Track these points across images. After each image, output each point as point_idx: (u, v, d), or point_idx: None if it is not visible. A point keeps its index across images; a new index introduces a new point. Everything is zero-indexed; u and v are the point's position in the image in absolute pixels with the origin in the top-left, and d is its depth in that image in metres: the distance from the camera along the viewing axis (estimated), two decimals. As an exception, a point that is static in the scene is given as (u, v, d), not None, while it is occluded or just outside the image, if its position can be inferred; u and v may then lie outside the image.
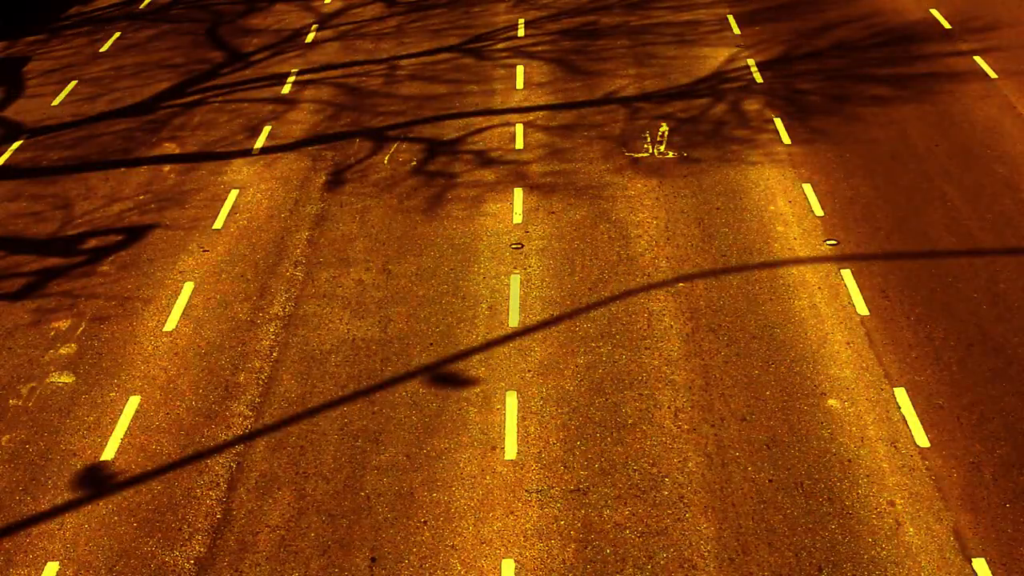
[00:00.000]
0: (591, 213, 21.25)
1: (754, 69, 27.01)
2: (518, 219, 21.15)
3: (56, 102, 26.53)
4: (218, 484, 15.32)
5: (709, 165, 22.75)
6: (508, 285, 19.25)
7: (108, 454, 15.90)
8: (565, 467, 15.46)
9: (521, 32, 29.71)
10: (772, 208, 21.26)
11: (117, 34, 30.48)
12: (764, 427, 16.02)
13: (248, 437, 16.14)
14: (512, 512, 14.75)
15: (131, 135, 24.89)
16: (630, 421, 16.20)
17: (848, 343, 17.62)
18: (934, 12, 29.76)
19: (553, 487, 15.13)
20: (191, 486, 15.31)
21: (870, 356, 17.33)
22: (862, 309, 18.38)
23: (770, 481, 15.16)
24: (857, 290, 18.81)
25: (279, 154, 23.86)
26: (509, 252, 20.17)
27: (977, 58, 26.94)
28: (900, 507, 14.65)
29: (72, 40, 30.27)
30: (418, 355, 17.71)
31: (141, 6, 32.67)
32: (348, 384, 17.14)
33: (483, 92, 26.36)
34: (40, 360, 17.83)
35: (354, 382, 17.18)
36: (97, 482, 15.45)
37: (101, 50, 29.46)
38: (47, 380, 17.40)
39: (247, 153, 23.94)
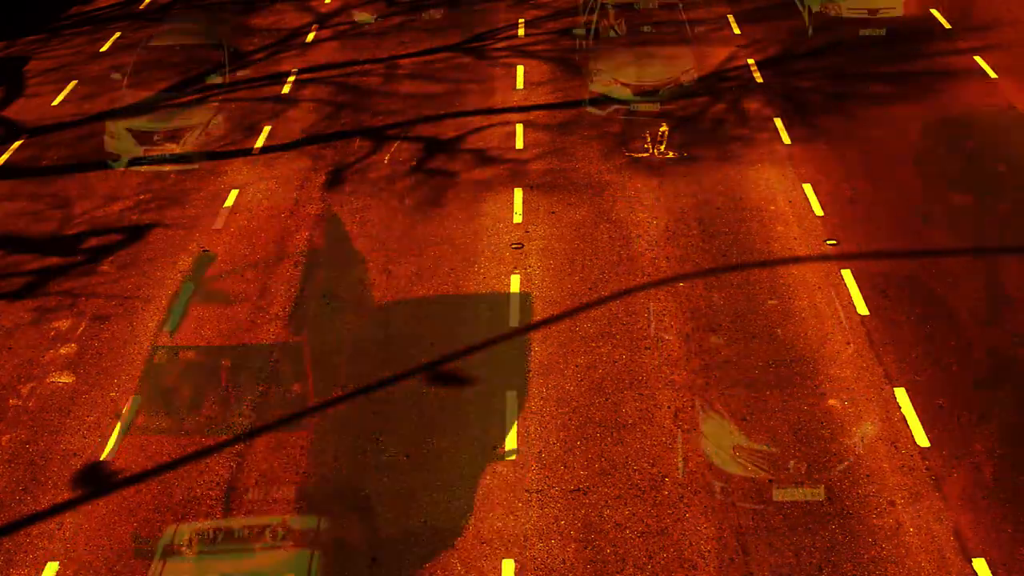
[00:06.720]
0: (591, 213, 21.25)
1: (754, 68, 27.01)
2: (518, 219, 21.15)
3: (56, 102, 26.53)
4: (218, 484, 15.32)
5: (709, 165, 22.75)
6: (508, 285, 19.26)
7: (108, 454, 15.91)
8: (565, 467, 15.47)
9: (521, 32, 29.71)
10: (772, 208, 21.27)
11: (117, 34, 30.48)
12: (764, 427, 16.03)
13: (248, 437, 16.14)
14: (512, 512, 14.75)
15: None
16: (630, 421, 16.21)
17: (848, 343, 17.63)
18: (934, 12, 29.76)
19: (553, 487, 15.14)
20: (191, 486, 15.31)
21: (870, 356, 17.34)
22: (862, 309, 18.39)
23: (770, 481, 15.17)
24: (857, 290, 18.81)
25: (279, 153, 23.86)
26: (509, 252, 20.18)
27: (977, 57, 26.94)
28: (900, 507, 14.66)
29: (72, 40, 30.27)
30: (418, 355, 17.71)
31: (141, 6, 32.67)
32: (348, 384, 17.14)
33: (483, 91, 26.36)
34: (40, 360, 17.83)
35: (354, 382, 17.18)
36: (97, 482, 15.45)
37: (101, 50, 29.46)
38: (47, 380, 17.40)
39: (247, 152, 23.94)
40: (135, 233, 21.15)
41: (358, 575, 13.93)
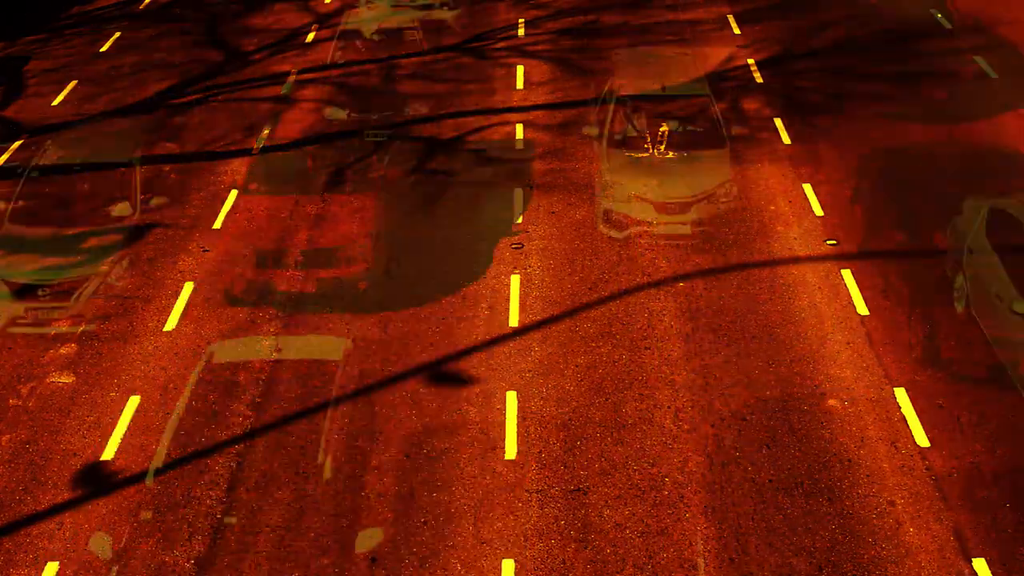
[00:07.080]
0: (591, 213, 21.25)
1: (754, 68, 27.00)
2: (518, 219, 21.15)
3: (56, 102, 26.52)
4: (218, 484, 15.32)
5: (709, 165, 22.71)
6: (508, 285, 19.26)
7: (108, 454, 15.91)
8: (565, 467, 15.47)
9: (521, 31, 29.71)
10: (772, 208, 21.27)
11: (117, 34, 30.47)
12: (764, 427, 16.03)
13: (248, 437, 16.14)
14: (512, 512, 14.75)
15: (131, 134, 24.85)
16: (630, 421, 16.21)
17: (848, 343, 17.62)
18: (934, 12, 29.75)
19: (553, 487, 15.13)
20: (191, 486, 15.31)
21: (870, 356, 17.34)
22: (862, 309, 18.38)
23: (770, 481, 15.17)
24: (857, 290, 18.81)
25: (279, 153, 23.86)
26: (509, 252, 20.17)
27: (977, 57, 26.94)
28: (900, 507, 14.66)
29: (72, 40, 30.26)
30: (418, 355, 17.71)
31: (141, 6, 32.66)
32: (348, 384, 17.14)
33: (483, 91, 26.36)
34: (40, 360, 17.83)
35: (354, 382, 17.18)
36: (97, 482, 15.45)
37: (101, 50, 29.45)
38: (47, 380, 17.40)
39: (247, 152, 23.94)
40: (135, 233, 21.14)
41: (358, 575, 13.93)
